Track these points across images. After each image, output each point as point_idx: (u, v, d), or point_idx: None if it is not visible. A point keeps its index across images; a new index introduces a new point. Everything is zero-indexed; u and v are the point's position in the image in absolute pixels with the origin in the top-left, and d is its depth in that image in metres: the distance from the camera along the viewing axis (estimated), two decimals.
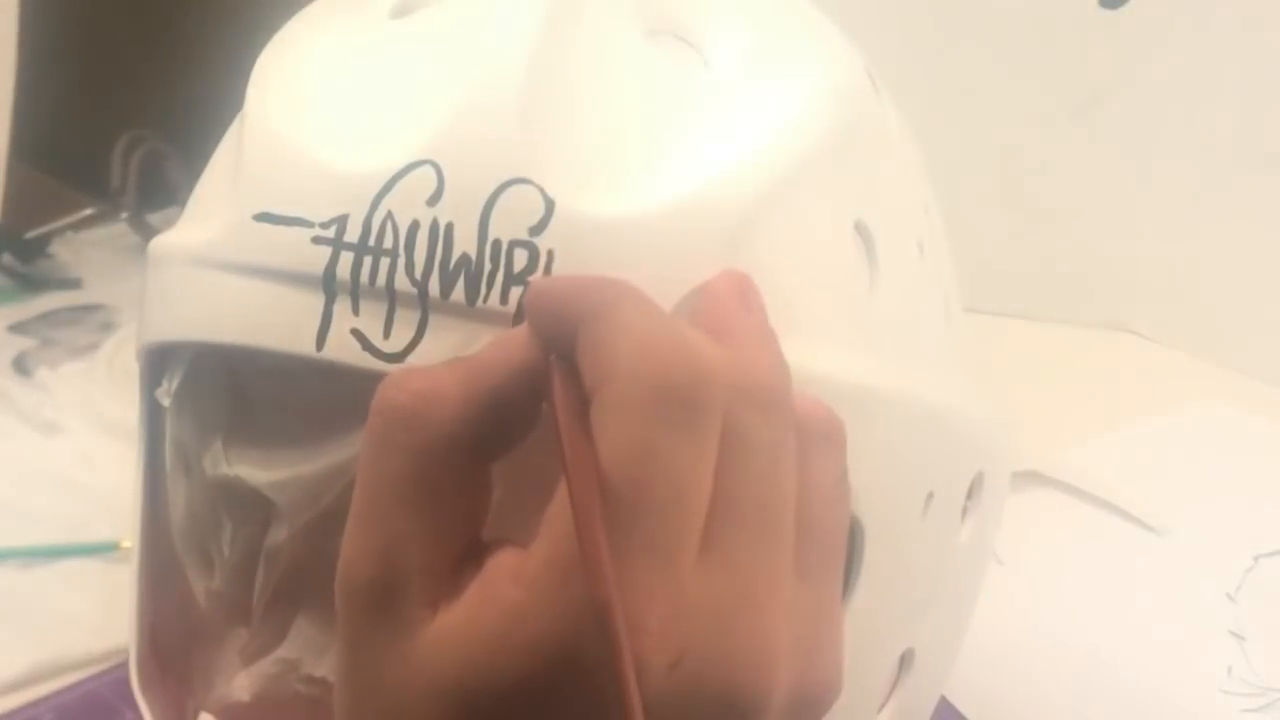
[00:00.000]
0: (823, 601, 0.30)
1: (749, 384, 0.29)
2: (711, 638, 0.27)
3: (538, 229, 0.33)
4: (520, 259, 0.33)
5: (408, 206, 0.33)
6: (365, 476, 0.29)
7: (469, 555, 0.29)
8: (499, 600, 0.28)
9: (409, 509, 0.29)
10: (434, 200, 0.33)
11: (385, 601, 0.29)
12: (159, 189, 0.92)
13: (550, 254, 0.33)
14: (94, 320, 0.85)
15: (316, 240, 0.34)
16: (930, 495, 0.38)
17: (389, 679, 0.29)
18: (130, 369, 0.42)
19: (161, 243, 0.39)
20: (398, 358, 0.33)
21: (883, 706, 0.40)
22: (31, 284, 0.90)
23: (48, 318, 0.86)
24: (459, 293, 0.33)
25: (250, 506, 0.36)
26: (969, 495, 0.41)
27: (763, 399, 0.29)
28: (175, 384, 0.39)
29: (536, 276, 0.32)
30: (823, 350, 0.35)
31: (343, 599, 0.29)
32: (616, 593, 0.26)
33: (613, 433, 0.27)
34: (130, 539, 0.43)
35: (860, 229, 0.37)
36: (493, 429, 0.29)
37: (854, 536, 0.35)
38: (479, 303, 0.33)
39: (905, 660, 0.40)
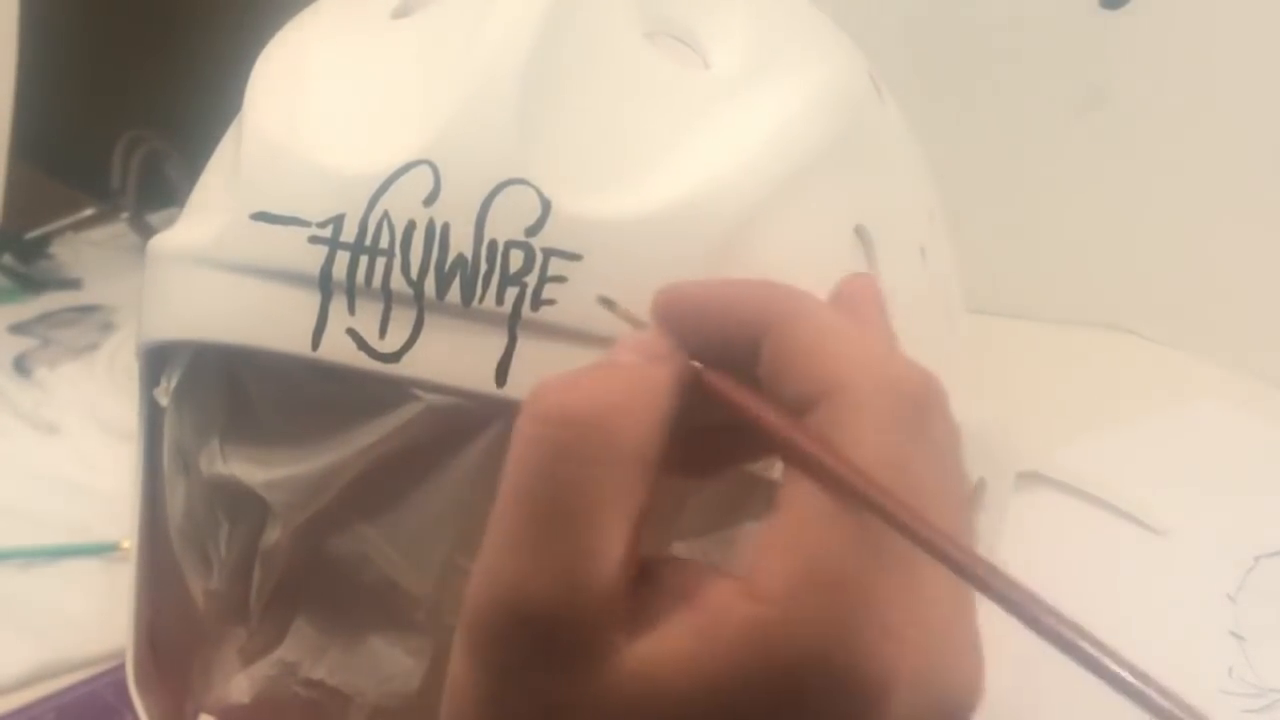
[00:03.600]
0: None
1: (940, 389, 0.28)
2: (947, 647, 0.27)
3: (534, 229, 0.33)
4: (516, 259, 0.33)
5: (404, 207, 0.33)
6: (535, 490, 0.27)
7: (642, 577, 0.27)
8: (733, 620, 0.26)
9: (598, 526, 0.26)
10: (431, 200, 0.33)
11: (571, 629, 0.26)
12: (159, 189, 0.92)
13: (546, 255, 0.33)
14: (94, 320, 0.85)
15: (313, 240, 0.34)
16: None
17: (579, 716, 0.26)
18: (130, 369, 0.42)
19: (160, 242, 0.39)
20: (393, 358, 0.33)
21: None
22: (31, 284, 0.90)
23: (48, 318, 0.86)
24: (455, 293, 0.33)
25: (247, 506, 0.36)
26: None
27: (947, 404, 0.28)
28: (173, 383, 0.39)
29: (667, 286, 0.30)
30: None
31: (504, 628, 0.26)
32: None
33: (869, 442, 0.26)
34: (130, 539, 0.43)
35: (860, 233, 0.37)
36: (663, 441, 0.28)
37: None
38: (475, 303, 0.33)
39: None
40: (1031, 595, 0.25)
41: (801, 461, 0.27)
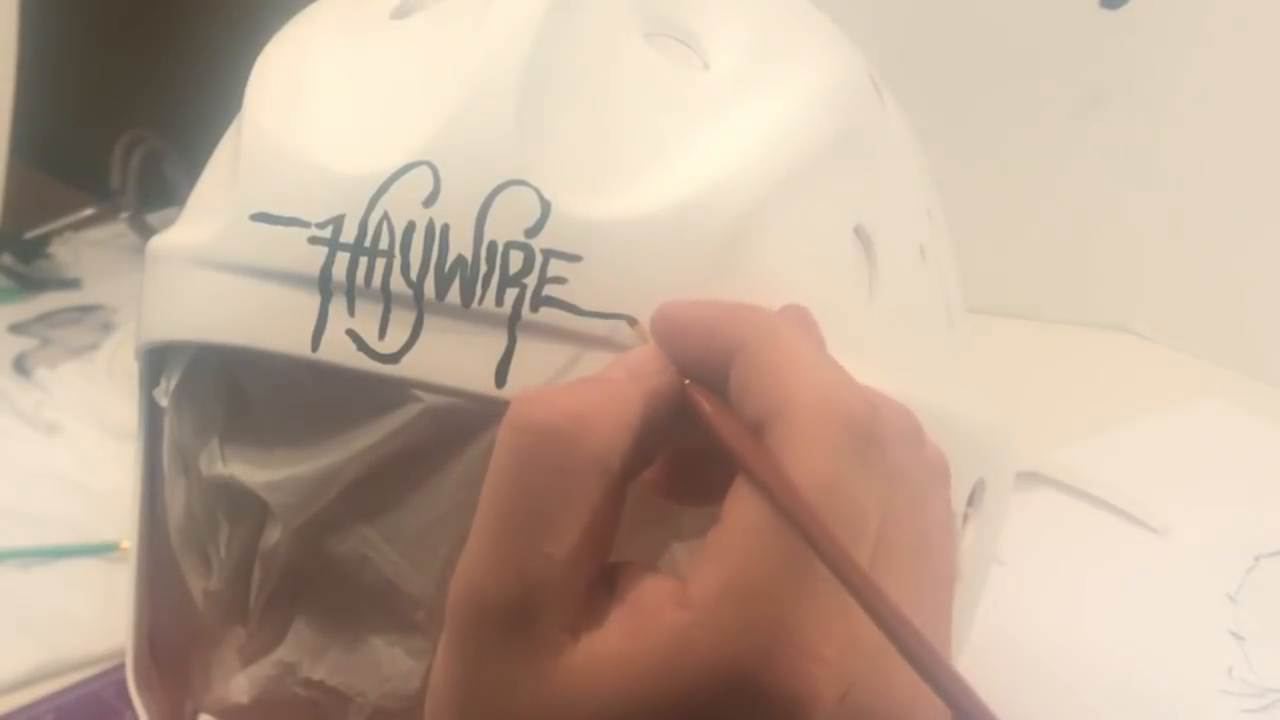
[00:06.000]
0: (939, 639, 0.30)
1: (903, 421, 0.29)
2: (877, 672, 0.27)
3: (534, 230, 0.33)
4: (516, 260, 0.33)
5: (404, 207, 0.33)
6: (502, 492, 0.28)
7: (600, 579, 0.29)
8: (659, 624, 0.27)
9: (553, 529, 0.28)
10: (430, 201, 0.33)
11: (520, 623, 0.28)
12: (159, 189, 0.92)
13: (546, 256, 0.33)
14: (94, 320, 0.85)
15: (313, 240, 0.34)
16: None
17: (521, 703, 0.28)
18: (130, 369, 0.42)
19: (160, 243, 0.39)
20: (393, 359, 0.33)
21: None
22: (31, 284, 0.90)
23: (48, 318, 0.86)
24: (454, 294, 0.33)
25: (246, 507, 0.36)
26: (969, 502, 0.41)
27: (914, 437, 0.30)
28: (173, 384, 0.39)
29: (664, 304, 0.32)
30: None
31: (468, 617, 0.28)
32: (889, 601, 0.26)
33: (805, 463, 0.27)
34: (130, 539, 0.43)
35: (860, 233, 0.37)
36: (635, 453, 0.29)
37: None
38: (474, 304, 0.33)
39: None
40: (929, 648, 0.26)
41: (745, 474, 0.28)
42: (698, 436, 0.29)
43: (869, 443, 0.28)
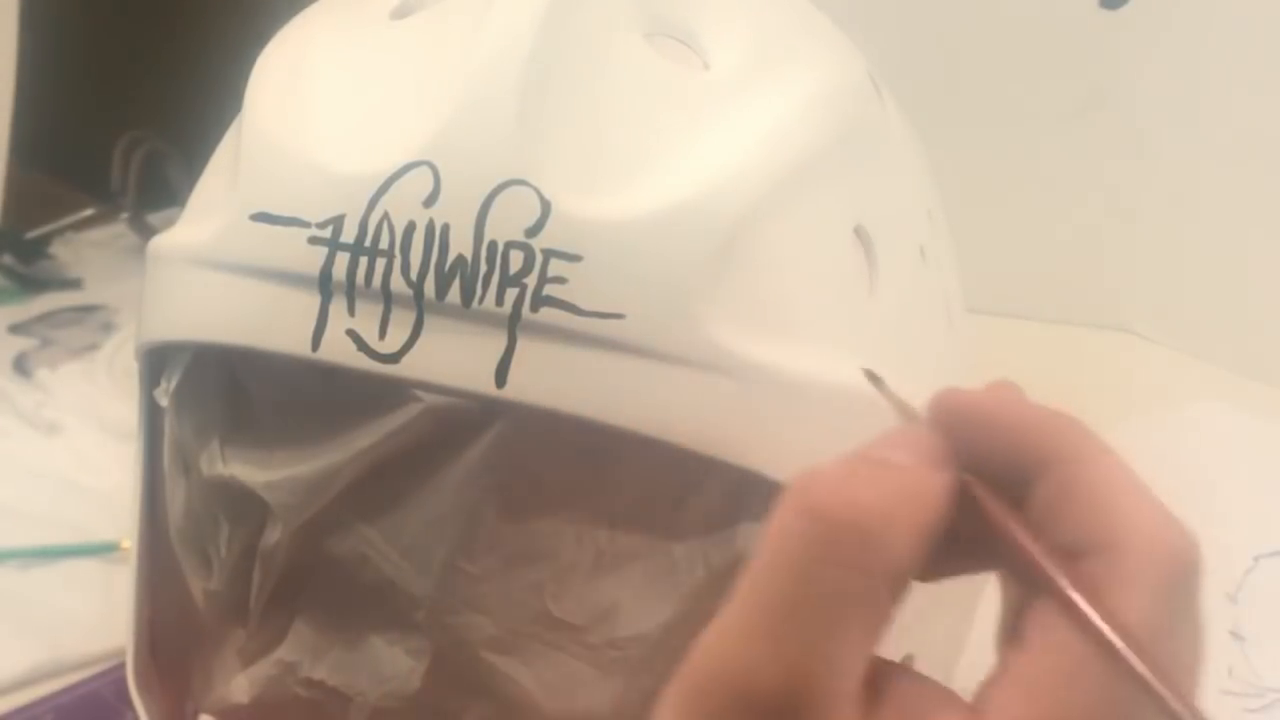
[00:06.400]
0: None
1: (1202, 557, 0.27)
2: None
3: (534, 230, 0.33)
4: (516, 260, 0.33)
5: (404, 207, 0.33)
6: (784, 579, 0.26)
7: (869, 681, 0.27)
8: None
9: (838, 629, 0.26)
10: (430, 201, 0.33)
11: (791, 717, 0.26)
12: (159, 189, 0.92)
13: (546, 255, 0.33)
14: (94, 320, 0.85)
15: (313, 240, 0.34)
16: None
17: None
18: (130, 369, 0.42)
19: (161, 243, 0.39)
20: (393, 359, 0.33)
21: None
22: (31, 284, 0.90)
23: (48, 318, 0.86)
24: (454, 294, 0.33)
25: (246, 507, 0.36)
26: None
27: (1201, 573, 0.27)
28: (174, 384, 0.39)
29: (951, 389, 0.30)
30: (820, 353, 0.35)
31: (729, 697, 0.26)
32: None
33: (1135, 605, 0.26)
34: (130, 539, 0.43)
35: (860, 233, 0.37)
36: (924, 555, 0.27)
37: None
38: (474, 304, 0.33)
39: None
40: None
41: (1068, 609, 0.26)
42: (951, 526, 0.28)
43: (1194, 583, 0.27)
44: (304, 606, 0.37)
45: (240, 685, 0.39)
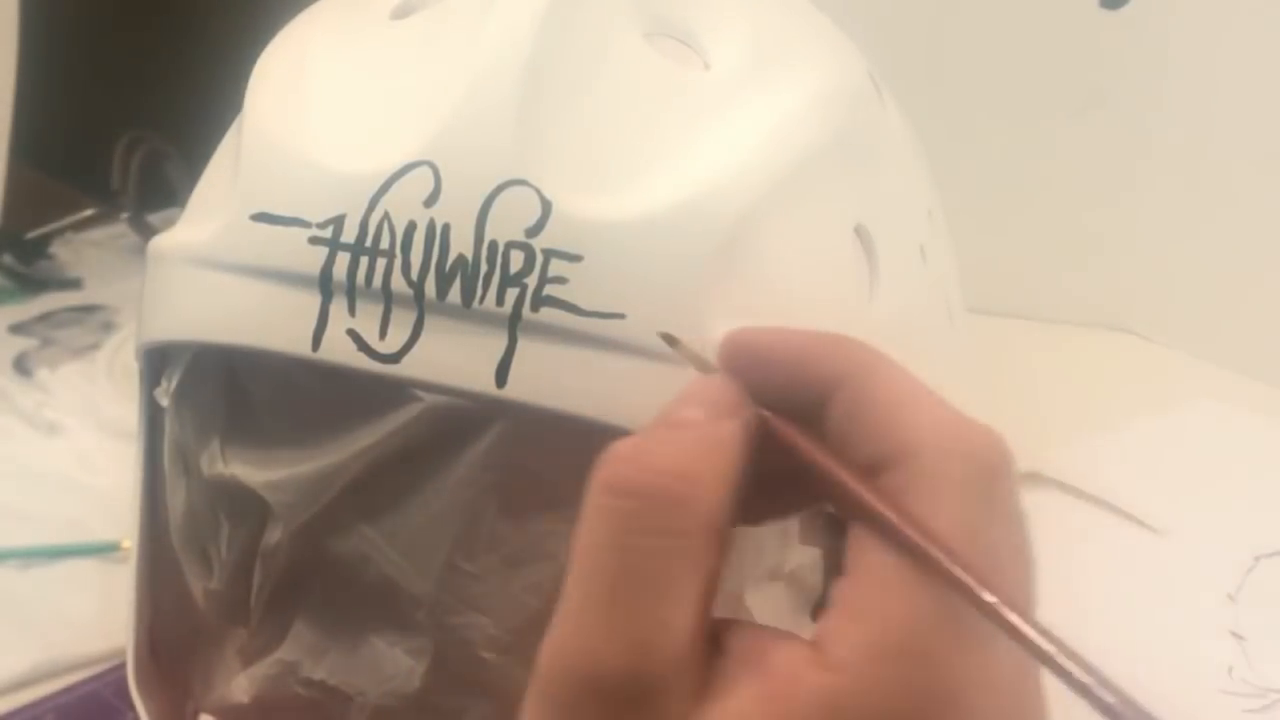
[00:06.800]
0: None
1: (1010, 453, 0.28)
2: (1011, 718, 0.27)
3: (534, 230, 0.33)
4: (517, 260, 0.33)
5: (405, 207, 0.33)
6: (605, 559, 0.26)
7: (709, 640, 0.27)
8: (803, 689, 0.26)
9: (669, 595, 0.26)
10: (431, 201, 0.33)
11: (644, 695, 0.26)
12: (159, 189, 0.92)
13: (547, 255, 0.33)
14: (94, 320, 0.85)
15: (313, 240, 0.34)
16: None
17: None
18: (130, 369, 0.42)
19: (161, 243, 0.39)
20: (393, 359, 0.33)
21: None
22: (31, 284, 0.90)
23: (48, 318, 0.86)
24: (455, 294, 0.33)
25: (247, 506, 0.36)
26: None
27: (1015, 466, 0.28)
28: (174, 384, 0.39)
29: (735, 330, 0.30)
30: None
31: (581, 691, 0.26)
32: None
33: (942, 510, 0.26)
34: (130, 539, 0.43)
35: (860, 232, 0.37)
36: (734, 504, 0.27)
37: None
38: (475, 304, 0.33)
39: None
40: (1101, 675, 0.25)
41: (878, 526, 0.26)
42: (761, 467, 0.28)
43: (998, 481, 0.27)
44: (304, 606, 0.37)
45: (240, 685, 0.39)
